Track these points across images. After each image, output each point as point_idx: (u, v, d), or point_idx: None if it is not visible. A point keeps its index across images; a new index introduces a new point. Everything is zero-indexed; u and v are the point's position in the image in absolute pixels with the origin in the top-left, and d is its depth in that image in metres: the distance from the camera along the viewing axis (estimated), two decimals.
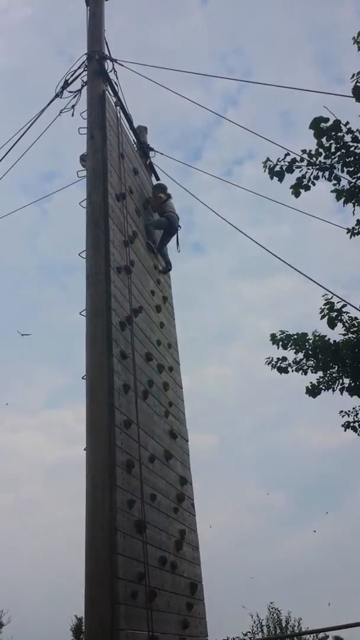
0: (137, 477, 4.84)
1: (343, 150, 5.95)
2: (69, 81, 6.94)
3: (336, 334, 7.54)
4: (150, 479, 5.31)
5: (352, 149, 5.93)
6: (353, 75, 5.62)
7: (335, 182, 6.24)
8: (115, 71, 7.00)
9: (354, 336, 7.39)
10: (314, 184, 6.26)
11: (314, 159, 6.08)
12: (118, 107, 6.99)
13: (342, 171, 6.12)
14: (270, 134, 6.60)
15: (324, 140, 5.91)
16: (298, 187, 6.27)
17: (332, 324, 7.35)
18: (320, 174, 6.19)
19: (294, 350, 7.84)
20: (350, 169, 6.09)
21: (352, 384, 7.63)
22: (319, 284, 5.83)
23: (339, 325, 7.41)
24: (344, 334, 7.47)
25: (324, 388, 7.92)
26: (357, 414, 8.24)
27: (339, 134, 5.86)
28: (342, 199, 6.29)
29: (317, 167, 6.13)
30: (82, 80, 6.83)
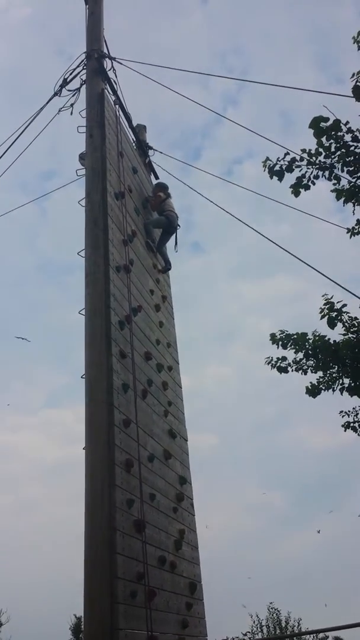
0: (136, 476, 4.83)
1: (343, 150, 5.95)
2: (68, 80, 6.93)
3: (336, 334, 7.55)
4: (150, 478, 5.30)
5: (352, 148, 5.92)
6: (353, 74, 5.62)
7: (335, 181, 6.24)
8: (114, 70, 7.00)
9: (354, 336, 7.39)
10: (313, 184, 6.26)
11: (314, 158, 6.08)
12: (117, 106, 6.99)
13: (342, 171, 6.12)
14: (270, 133, 6.60)
15: (323, 139, 5.91)
16: (298, 187, 6.26)
17: (332, 324, 7.35)
18: (320, 173, 6.19)
19: (294, 350, 7.84)
20: (350, 169, 6.08)
21: (352, 384, 7.63)
22: (331, 279, 5.73)
23: (339, 325, 7.42)
24: (344, 334, 7.47)
25: (324, 388, 7.92)
26: (357, 414, 8.23)
27: (339, 133, 5.86)
28: (342, 199, 6.28)
29: (317, 166, 6.13)
30: (81, 79, 6.83)
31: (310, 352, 7.73)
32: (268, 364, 8.05)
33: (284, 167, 6.22)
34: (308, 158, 6.09)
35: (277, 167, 6.24)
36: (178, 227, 7.66)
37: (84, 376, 4.89)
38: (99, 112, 6.30)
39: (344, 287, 5.64)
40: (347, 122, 5.82)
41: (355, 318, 7.40)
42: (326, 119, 5.79)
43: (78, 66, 6.87)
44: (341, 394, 7.75)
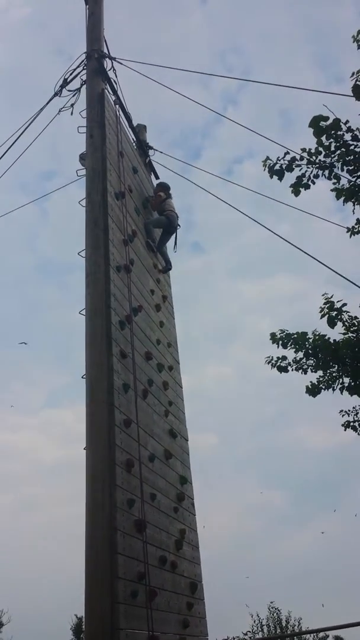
0: (137, 476, 4.83)
1: (343, 149, 5.94)
2: (68, 80, 6.93)
3: (336, 333, 7.54)
4: (150, 478, 5.30)
5: (352, 147, 5.91)
6: (353, 73, 5.61)
7: (335, 180, 6.23)
8: (114, 70, 7.00)
9: (354, 335, 7.38)
10: (313, 183, 6.25)
11: (314, 157, 6.07)
12: (117, 106, 6.99)
13: (342, 170, 6.11)
14: (270, 132, 6.59)
15: (323, 138, 5.89)
16: (298, 186, 6.25)
17: (332, 323, 7.34)
18: (320, 172, 6.18)
19: (294, 350, 7.83)
20: (350, 168, 6.07)
21: (352, 383, 7.62)
22: (335, 271, 5.69)
23: (339, 324, 7.41)
24: (344, 333, 7.46)
25: (323, 387, 7.91)
26: (357, 413, 8.22)
27: (339, 132, 5.85)
28: (342, 198, 6.27)
29: (317, 165, 6.12)
30: (81, 79, 6.83)
31: (310, 351, 7.72)
32: (268, 363, 8.05)
33: (284, 166, 6.21)
34: (308, 157, 6.08)
35: (277, 167, 6.23)
36: (178, 227, 7.66)
37: (84, 376, 4.89)
38: (99, 112, 6.29)
39: (347, 278, 5.61)
40: (347, 121, 5.81)
41: (355, 317, 7.39)
42: (326, 118, 5.78)
43: (78, 66, 6.87)
44: (341, 393, 7.75)
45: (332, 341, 7.55)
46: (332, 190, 6.33)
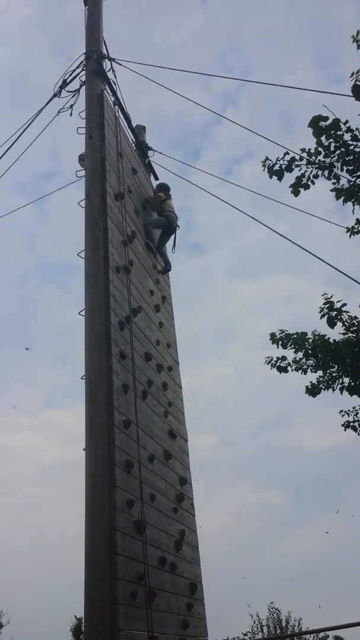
0: (136, 477, 4.83)
1: (342, 149, 5.94)
2: (67, 81, 6.93)
3: (336, 333, 7.54)
4: (150, 479, 5.30)
5: (351, 147, 5.92)
6: (352, 73, 5.63)
7: (335, 180, 6.23)
8: (113, 70, 6.99)
9: (354, 335, 7.38)
10: (313, 183, 6.25)
11: (314, 157, 6.07)
12: (116, 107, 6.99)
13: (342, 170, 6.11)
14: (270, 133, 6.59)
15: (323, 139, 5.90)
16: (297, 186, 6.25)
17: (331, 323, 7.34)
18: (319, 172, 6.18)
19: (294, 350, 7.83)
20: (350, 168, 6.07)
21: (352, 383, 7.62)
22: (336, 268, 5.62)
23: (339, 324, 7.41)
24: (343, 333, 7.46)
25: (323, 387, 7.90)
26: (357, 413, 8.22)
27: (339, 132, 5.85)
28: (342, 198, 6.28)
29: (317, 165, 6.12)
30: (81, 80, 6.83)
31: (310, 351, 7.72)
32: (268, 363, 8.04)
33: (283, 166, 6.21)
34: (307, 157, 6.08)
35: (276, 167, 6.23)
36: (177, 228, 7.66)
37: (84, 377, 4.89)
38: (99, 113, 6.29)
39: (347, 274, 5.61)
40: (347, 121, 5.81)
41: (355, 317, 7.39)
42: (326, 118, 5.78)
43: (77, 67, 6.87)
44: (341, 393, 7.74)
45: (332, 341, 7.55)
46: (331, 190, 6.34)
